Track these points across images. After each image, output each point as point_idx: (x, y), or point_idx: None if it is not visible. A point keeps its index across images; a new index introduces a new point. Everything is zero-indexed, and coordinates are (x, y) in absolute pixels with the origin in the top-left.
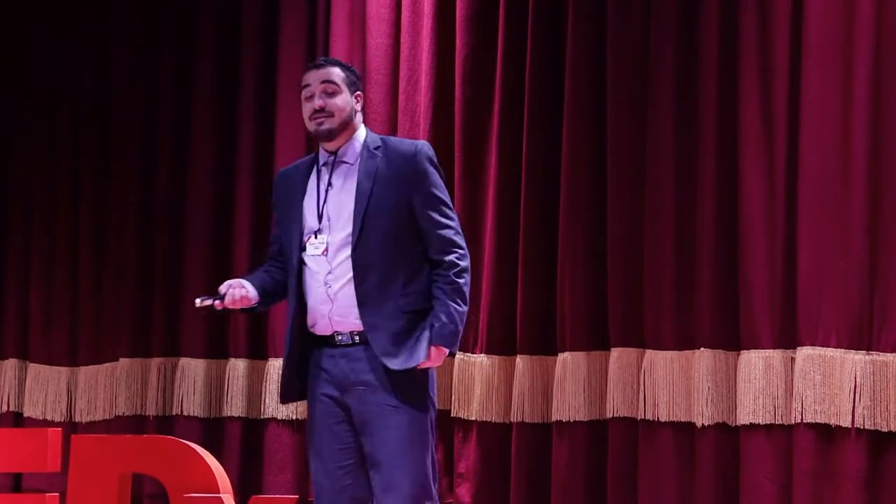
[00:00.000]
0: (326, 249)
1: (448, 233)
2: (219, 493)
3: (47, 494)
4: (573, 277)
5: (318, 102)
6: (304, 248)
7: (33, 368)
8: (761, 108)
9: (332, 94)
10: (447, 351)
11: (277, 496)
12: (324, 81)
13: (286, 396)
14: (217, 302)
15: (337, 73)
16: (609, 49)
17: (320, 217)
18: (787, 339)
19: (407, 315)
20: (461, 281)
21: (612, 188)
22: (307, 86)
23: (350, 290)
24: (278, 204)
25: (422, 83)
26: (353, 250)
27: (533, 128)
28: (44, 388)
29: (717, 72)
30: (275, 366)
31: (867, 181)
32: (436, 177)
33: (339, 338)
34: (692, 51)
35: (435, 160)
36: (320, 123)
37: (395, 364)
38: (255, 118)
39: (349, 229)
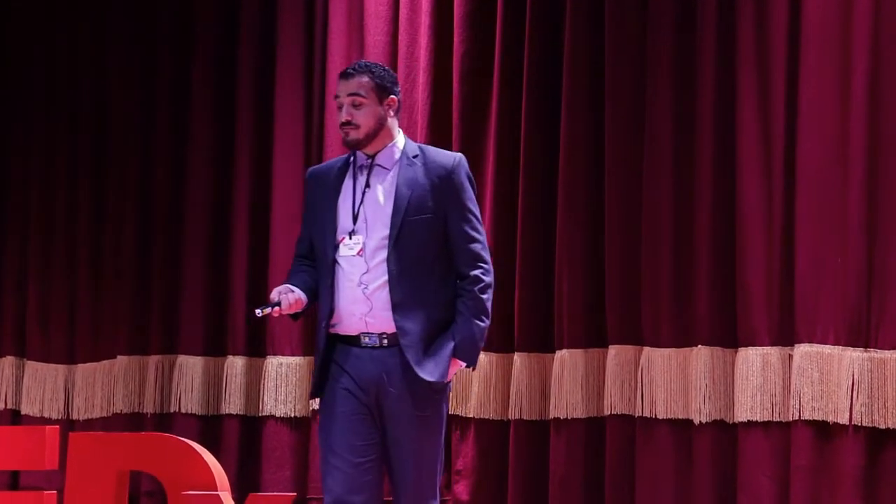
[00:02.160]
0: (363, 250)
1: (476, 247)
2: (216, 490)
3: (45, 492)
4: (571, 275)
5: (344, 115)
6: (337, 248)
7: (31, 366)
8: (759, 105)
9: (359, 106)
10: (463, 364)
11: (275, 494)
12: (350, 94)
13: (318, 393)
14: (276, 309)
15: (364, 82)
16: (607, 46)
17: (355, 218)
18: (785, 337)
19: (435, 325)
20: (484, 297)
21: (610, 185)
22: (337, 97)
23: (385, 293)
24: (310, 203)
25: (420, 80)
26: (389, 253)
27: (531, 125)
28: (41, 386)
29: (715, 69)
30: (273, 363)
31: (865, 178)
32: (470, 191)
33: (366, 339)
34: (690, 48)
35: (470, 174)
36: (347, 134)
37: (425, 374)
38: (253, 117)
39: (386, 232)
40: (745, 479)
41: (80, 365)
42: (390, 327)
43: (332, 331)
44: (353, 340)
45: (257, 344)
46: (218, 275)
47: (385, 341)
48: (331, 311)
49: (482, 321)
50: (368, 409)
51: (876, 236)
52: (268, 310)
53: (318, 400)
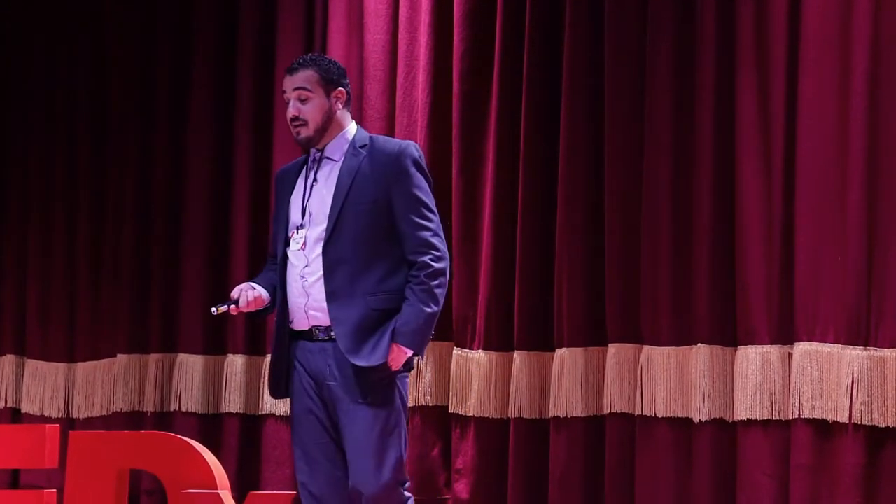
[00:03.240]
0: (305, 244)
1: (425, 234)
2: (216, 489)
3: (45, 490)
4: (570, 273)
5: (291, 111)
6: (288, 244)
7: (31, 364)
8: (759, 105)
9: (305, 101)
10: (408, 351)
11: (275, 492)
12: (296, 88)
13: (275, 391)
14: (232, 307)
15: (309, 76)
16: (607, 44)
17: (303, 212)
18: (785, 335)
19: (376, 313)
20: (433, 283)
21: (610, 184)
22: (284, 92)
23: (322, 285)
24: (276, 202)
25: (419, 79)
26: (325, 245)
27: (530, 123)
28: (41, 385)
29: (715, 68)
30: None
31: (864, 177)
32: (418, 178)
33: (318, 332)
34: (690, 47)
35: (420, 161)
36: (297, 133)
37: (357, 360)
38: (253, 114)
39: (325, 225)
40: (745, 477)
41: (80, 363)
42: (328, 319)
43: (291, 326)
44: (306, 335)
45: (257, 342)
46: (218, 274)
47: (332, 334)
48: (284, 307)
49: (428, 307)
50: (322, 404)
51: (875, 235)
52: (223, 307)
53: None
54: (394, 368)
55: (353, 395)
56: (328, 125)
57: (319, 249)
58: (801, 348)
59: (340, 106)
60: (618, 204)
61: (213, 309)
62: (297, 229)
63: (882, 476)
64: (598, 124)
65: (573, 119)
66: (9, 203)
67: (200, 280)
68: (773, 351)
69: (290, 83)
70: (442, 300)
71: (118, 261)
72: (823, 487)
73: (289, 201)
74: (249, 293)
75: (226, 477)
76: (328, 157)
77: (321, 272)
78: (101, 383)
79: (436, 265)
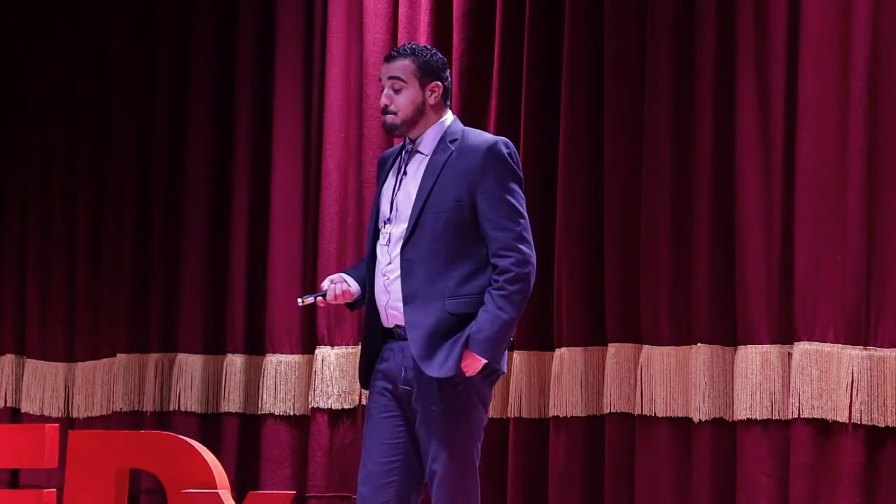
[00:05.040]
0: (389, 240)
1: (507, 235)
2: (216, 488)
3: (45, 490)
4: (570, 273)
5: (384, 100)
6: (377, 237)
7: (30, 364)
8: (758, 105)
9: (399, 91)
10: (482, 360)
11: (275, 492)
12: (391, 77)
13: (363, 383)
14: (320, 299)
15: (405, 65)
16: (606, 44)
17: (391, 206)
18: (784, 335)
19: (454, 317)
20: (512, 287)
21: (609, 183)
22: (380, 80)
23: (399, 284)
24: (377, 187)
25: None
26: (404, 246)
27: (530, 123)
28: (41, 384)
29: (714, 67)
30: (272, 361)
31: (864, 176)
32: (506, 175)
33: (399, 332)
34: (689, 46)
35: (509, 158)
36: (384, 120)
37: (428, 369)
38: (253, 113)
39: (407, 224)
40: (745, 477)
41: (79, 363)
42: (402, 320)
43: (383, 323)
44: (390, 333)
45: (256, 342)
46: (217, 273)
47: (404, 334)
48: (370, 301)
49: (504, 313)
50: (399, 405)
51: (875, 234)
52: (310, 299)
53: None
54: (469, 374)
55: (423, 401)
56: (418, 118)
57: (399, 249)
58: (800, 348)
59: (435, 99)
60: (617, 204)
61: (300, 300)
62: (385, 224)
63: (882, 475)
64: (598, 124)
65: (573, 119)
66: (9, 203)
67: (200, 280)
68: (772, 350)
69: (386, 71)
70: (521, 306)
71: (118, 261)
72: (823, 487)
73: (381, 192)
74: (339, 286)
75: (225, 476)
76: (419, 151)
77: (399, 272)
78: (100, 383)
79: (517, 269)
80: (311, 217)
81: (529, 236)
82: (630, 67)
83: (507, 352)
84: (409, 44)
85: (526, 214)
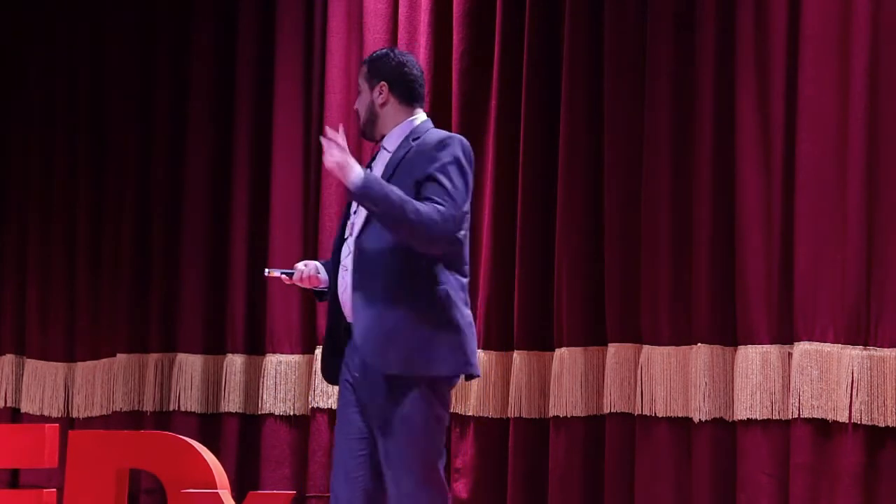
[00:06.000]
0: (351, 232)
1: (437, 195)
2: (216, 488)
3: (45, 490)
4: (570, 273)
5: (355, 106)
6: (344, 231)
7: (30, 364)
8: (758, 104)
9: (358, 95)
10: (349, 175)
11: (275, 492)
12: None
13: (326, 376)
14: (285, 277)
15: (362, 72)
16: (606, 44)
17: None
18: (785, 335)
19: (396, 311)
20: (424, 212)
21: (610, 183)
22: None
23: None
24: None
25: None
26: (358, 236)
27: (530, 123)
28: (41, 384)
29: (714, 67)
30: (272, 361)
31: (864, 176)
32: (449, 167)
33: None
34: (689, 46)
35: (461, 156)
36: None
37: (375, 363)
38: (252, 113)
39: (365, 214)
40: (745, 477)
41: (79, 363)
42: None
43: (345, 315)
44: (350, 326)
45: (256, 342)
46: (217, 273)
47: None
48: (332, 295)
49: (409, 207)
50: (357, 400)
51: (875, 234)
52: (276, 272)
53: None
54: (326, 165)
55: (373, 396)
56: (374, 119)
57: (353, 240)
58: (800, 348)
59: (383, 99)
60: (617, 204)
61: (267, 270)
62: (352, 216)
63: (882, 476)
64: (598, 124)
65: (573, 119)
66: (8, 203)
67: (200, 280)
68: (772, 350)
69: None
70: (411, 226)
71: (118, 261)
72: (823, 487)
73: None
74: (306, 269)
75: (225, 476)
76: (384, 148)
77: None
78: (100, 383)
79: (430, 212)
80: (311, 217)
81: (456, 214)
82: (630, 67)
83: (475, 353)
84: (378, 50)
85: (461, 206)
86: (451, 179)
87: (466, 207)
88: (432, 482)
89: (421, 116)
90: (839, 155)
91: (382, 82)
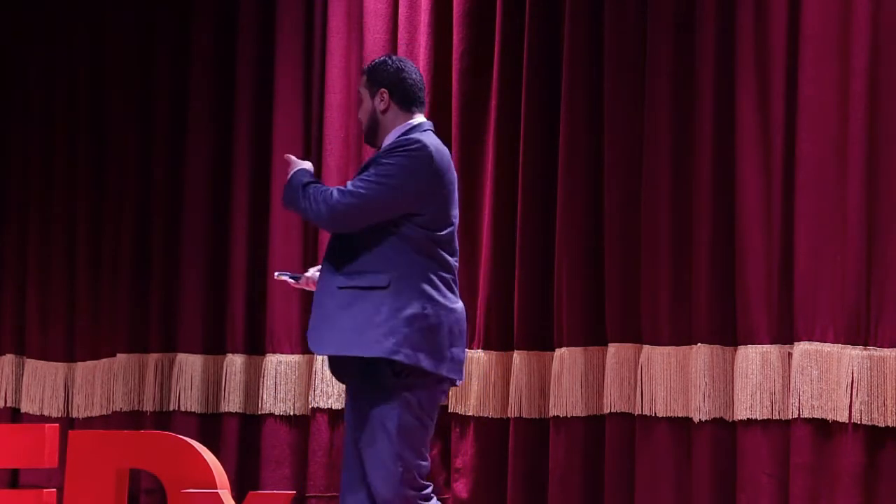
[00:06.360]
0: None
1: (354, 181)
2: (216, 488)
3: (45, 490)
4: (570, 273)
5: (358, 115)
6: None
7: (30, 364)
8: (758, 104)
9: (359, 104)
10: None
11: (275, 492)
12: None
13: (332, 373)
14: (292, 281)
15: (362, 81)
16: (606, 44)
17: None
18: (785, 335)
19: (343, 291)
20: (317, 197)
21: (610, 183)
22: None
23: None
24: None
25: None
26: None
27: (530, 123)
28: (41, 384)
29: (714, 67)
30: (272, 361)
31: (864, 176)
32: (385, 162)
33: None
34: (689, 46)
35: (412, 148)
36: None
37: (316, 346)
38: (252, 114)
39: None
40: (745, 477)
41: (79, 363)
42: None
43: None
44: None
45: (256, 342)
46: (217, 273)
47: None
48: None
49: (303, 194)
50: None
51: (875, 234)
52: (284, 276)
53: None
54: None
55: (348, 386)
56: (375, 126)
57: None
58: (800, 348)
59: (384, 105)
60: (618, 204)
61: (277, 273)
62: None
63: (882, 476)
64: (598, 124)
65: (573, 119)
66: (8, 203)
67: (200, 280)
68: (772, 350)
69: None
70: (302, 210)
71: (118, 261)
72: (823, 487)
73: None
74: (314, 275)
75: (225, 476)
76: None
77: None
78: (100, 383)
79: (332, 202)
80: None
81: (358, 201)
82: (630, 67)
83: (462, 359)
84: (377, 58)
85: (378, 193)
86: (368, 178)
87: (390, 196)
88: (401, 476)
89: (418, 119)
90: (839, 155)
91: (383, 89)
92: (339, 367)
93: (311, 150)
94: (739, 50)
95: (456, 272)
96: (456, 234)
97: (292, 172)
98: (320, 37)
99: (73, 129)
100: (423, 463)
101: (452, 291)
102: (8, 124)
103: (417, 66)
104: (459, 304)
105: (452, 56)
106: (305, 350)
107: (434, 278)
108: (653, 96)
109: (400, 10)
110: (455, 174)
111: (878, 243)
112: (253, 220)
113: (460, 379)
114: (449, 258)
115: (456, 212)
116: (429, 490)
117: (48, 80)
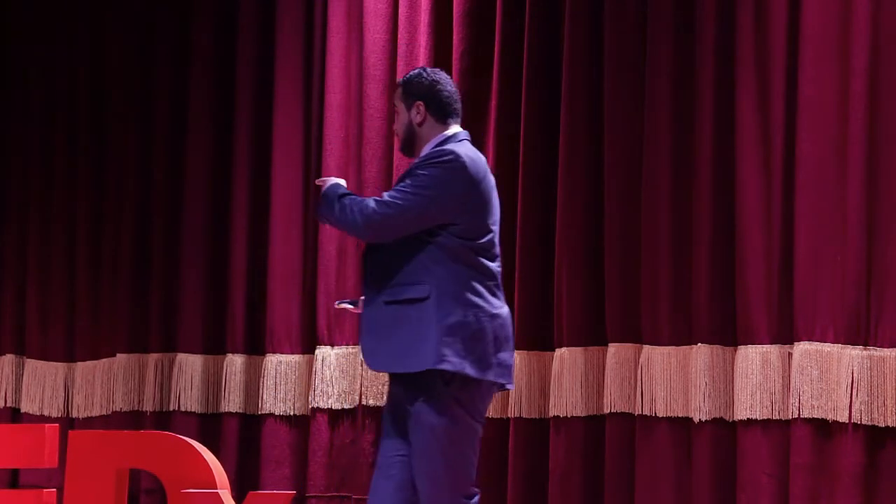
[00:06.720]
0: None
1: (390, 192)
2: (216, 488)
3: (45, 490)
4: (570, 273)
5: (394, 127)
6: None
7: (30, 364)
8: (758, 104)
9: (395, 116)
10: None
11: (275, 492)
12: (394, 104)
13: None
14: (351, 307)
15: (397, 93)
16: (606, 44)
17: None
18: (785, 335)
19: (389, 306)
20: (354, 209)
21: (610, 183)
22: None
23: None
24: None
25: None
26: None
27: (530, 124)
28: (41, 384)
29: (714, 68)
30: (272, 361)
31: (864, 176)
32: (420, 172)
33: None
34: (689, 47)
35: (443, 160)
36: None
37: (372, 363)
38: (253, 114)
39: None
40: (745, 477)
41: (79, 363)
42: None
43: None
44: None
45: (257, 342)
46: (217, 273)
47: None
48: None
49: (337, 205)
50: (391, 403)
51: (875, 234)
52: (345, 304)
53: None
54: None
55: (402, 399)
56: (413, 138)
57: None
58: (800, 348)
59: (421, 119)
60: (618, 204)
61: (337, 302)
62: None
63: (882, 476)
64: (598, 124)
65: (573, 119)
66: (8, 203)
67: (200, 280)
68: (772, 350)
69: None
70: (337, 220)
71: (118, 260)
72: (823, 487)
73: None
74: None
75: (225, 476)
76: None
77: None
78: (100, 383)
79: (368, 212)
80: (311, 217)
81: (394, 212)
82: (630, 67)
83: (510, 364)
84: (413, 70)
85: (414, 203)
86: (403, 191)
87: (425, 206)
88: (453, 483)
89: (453, 130)
90: (839, 155)
91: (419, 101)
92: (394, 376)
93: (311, 150)
94: (739, 50)
95: (499, 277)
96: (497, 240)
97: (327, 186)
98: (320, 37)
99: (73, 129)
100: (472, 470)
101: (496, 297)
102: (8, 124)
103: (417, 66)
104: (504, 310)
105: (452, 56)
106: (305, 350)
107: (475, 285)
108: (653, 96)
109: (400, 10)
110: (492, 181)
111: (878, 243)
112: (253, 220)
113: (510, 383)
114: (490, 264)
115: (495, 218)
116: (477, 498)
117: (48, 80)
